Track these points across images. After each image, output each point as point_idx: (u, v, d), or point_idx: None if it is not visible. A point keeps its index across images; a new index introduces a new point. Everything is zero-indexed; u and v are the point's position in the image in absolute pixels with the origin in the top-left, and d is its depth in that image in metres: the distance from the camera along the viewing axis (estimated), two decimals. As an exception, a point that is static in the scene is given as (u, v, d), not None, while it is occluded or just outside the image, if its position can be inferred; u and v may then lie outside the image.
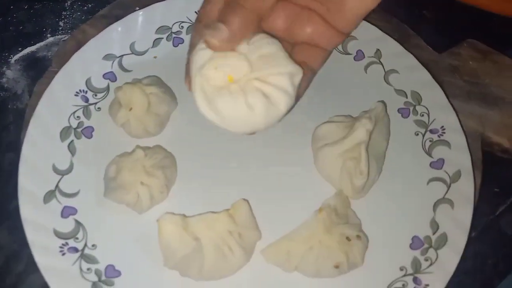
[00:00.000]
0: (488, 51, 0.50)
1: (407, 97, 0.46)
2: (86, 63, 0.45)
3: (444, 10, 0.54)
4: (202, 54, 0.32)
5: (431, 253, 0.38)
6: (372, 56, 0.48)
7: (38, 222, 0.38)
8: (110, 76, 0.46)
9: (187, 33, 0.48)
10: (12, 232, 0.40)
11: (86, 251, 0.38)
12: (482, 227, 0.43)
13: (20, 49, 0.50)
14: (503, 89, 0.48)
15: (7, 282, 0.39)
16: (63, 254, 0.37)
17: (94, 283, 0.36)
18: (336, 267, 0.37)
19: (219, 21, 0.30)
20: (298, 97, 0.34)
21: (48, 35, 0.51)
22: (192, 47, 0.33)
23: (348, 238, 0.37)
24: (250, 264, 0.38)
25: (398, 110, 0.45)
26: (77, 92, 0.44)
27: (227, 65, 0.32)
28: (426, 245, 0.39)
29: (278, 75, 0.32)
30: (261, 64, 0.32)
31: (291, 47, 0.35)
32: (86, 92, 0.44)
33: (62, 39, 0.50)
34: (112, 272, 0.37)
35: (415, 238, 0.39)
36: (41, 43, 0.51)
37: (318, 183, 0.42)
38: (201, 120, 0.42)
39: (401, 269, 0.38)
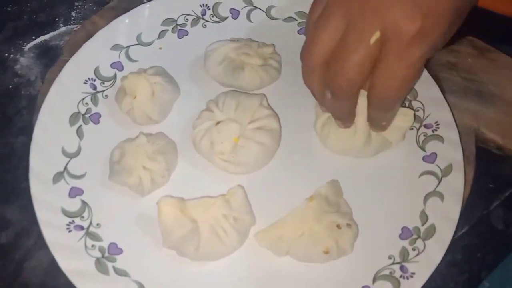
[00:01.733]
0: (486, 49, 0.50)
1: (403, 92, 0.47)
2: (95, 53, 0.47)
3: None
4: None
5: (419, 243, 0.40)
6: (371, 52, 0.49)
7: (46, 201, 0.40)
8: (117, 66, 0.47)
9: (191, 26, 0.50)
10: (23, 210, 0.42)
11: (91, 229, 0.40)
12: (474, 222, 0.44)
13: (33, 37, 0.52)
14: (499, 86, 0.49)
15: (16, 257, 0.41)
16: (70, 231, 0.39)
17: (97, 259, 0.38)
18: (326, 252, 0.38)
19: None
20: None
21: (61, 25, 0.53)
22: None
23: (338, 226, 0.38)
24: (244, 248, 0.39)
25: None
26: (86, 80, 0.46)
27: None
28: (414, 236, 0.40)
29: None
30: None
31: None
32: (95, 80, 0.46)
33: (74, 28, 0.52)
34: (114, 249, 0.39)
35: (404, 229, 0.41)
36: (54, 32, 0.53)
37: (313, 171, 0.43)
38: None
39: (390, 257, 0.39)
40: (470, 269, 0.42)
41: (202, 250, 0.38)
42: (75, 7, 0.54)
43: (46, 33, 0.53)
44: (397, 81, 0.35)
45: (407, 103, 0.46)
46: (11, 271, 0.41)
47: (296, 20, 0.51)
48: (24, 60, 0.51)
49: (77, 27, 0.52)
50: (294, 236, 0.38)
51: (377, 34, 0.33)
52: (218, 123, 0.42)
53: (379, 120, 0.41)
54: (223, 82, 0.47)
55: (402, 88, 0.36)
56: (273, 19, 0.51)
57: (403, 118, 0.42)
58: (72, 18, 0.54)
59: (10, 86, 0.50)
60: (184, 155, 0.43)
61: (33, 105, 0.47)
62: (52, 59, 0.50)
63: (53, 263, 0.39)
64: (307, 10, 0.50)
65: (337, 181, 0.42)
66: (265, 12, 0.51)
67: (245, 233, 0.39)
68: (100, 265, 0.38)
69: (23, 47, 0.52)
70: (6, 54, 0.51)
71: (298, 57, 0.48)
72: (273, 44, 0.48)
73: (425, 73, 0.47)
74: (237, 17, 0.50)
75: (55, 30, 0.53)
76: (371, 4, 0.34)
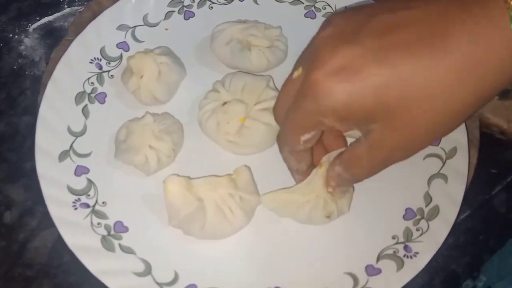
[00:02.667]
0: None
1: (409, 76, 0.47)
2: (101, 33, 0.47)
3: None
4: None
5: (422, 223, 0.40)
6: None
7: (53, 179, 0.40)
8: (123, 46, 0.47)
9: (197, 7, 0.49)
10: (27, 190, 0.43)
11: (97, 207, 0.40)
12: (476, 206, 0.44)
13: (38, 18, 0.52)
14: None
15: (21, 236, 0.41)
16: (76, 209, 0.39)
17: (103, 236, 0.38)
18: (327, 216, 0.39)
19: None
20: None
21: (65, 6, 0.53)
22: (297, 172, 0.39)
23: None
24: (250, 227, 0.40)
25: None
26: (91, 60, 0.46)
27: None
28: (418, 216, 0.40)
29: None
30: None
31: None
32: (100, 60, 0.46)
33: (78, 10, 0.52)
34: (120, 227, 0.39)
35: (408, 210, 0.41)
36: (58, 13, 0.53)
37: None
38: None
39: (393, 237, 0.40)
40: (472, 251, 0.43)
41: (207, 229, 0.38)
42: (80, -11, 0.54)
43: (51, 14, 0.53)
44: None
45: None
46: (14, 251, 0.41)
47: (303, 3, 0.51)
48: (28, 41, 0.51)
49: (81, 8, 0.52)
50: (301, 202, 0.38)
51: (299, 70, 0.33)
52: (224, 103, 0.42)
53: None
54: (229, 63, 0.47)
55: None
56: (280, 2, 0.50)
57: None
58: (77, 0, 0.53)
59: (15, 67, 0.49)
60: (190, 136, 0.43)
61: (37, 86, 0.47)
62: (56, 40, 0.50)
63: (57, 243, 0.40)
64: (314, -8, 0.51)
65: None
66: (272, -6, 0.50)
67: (251, 212, 0.40)
68: (106, 243, 0.38)
69: (28, 28, 0.52)
70: (11, 35, 0.51)
71: (305, 39, 0.48)
72: (280, 26, 0.48)
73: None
74: (244, -1, 0.50)
75: (59, 11, 0.53)
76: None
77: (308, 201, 0.39)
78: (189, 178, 0.39)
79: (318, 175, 0.38)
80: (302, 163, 0.38)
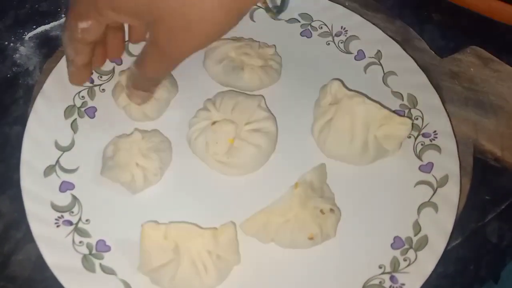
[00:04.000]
0: (490, 59, 0.50)
1: (403, 100, 0.46)
2: (94, 46, 0.47)
3: (452, 15, 0.54)
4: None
5: (410, 254, 0.39)
6: (372, 57, 0.48)
7: (36, 194, 0.40)
8: (116, 60, 0.47)
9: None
10: (14, 201, 0.42)
11: (80, 225, 0.39)
12: (468, 233, 0.43)
13: (34, 27, 0.52)
14: (501, 98, 0.48)
15: (5, 249, 0.41)
16: (58, 226, 0.39)
17: (84, 256, 0.38)
18: (310, 238, 0.38)
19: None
20: None
21: (63, 15, 0.53)
22: (71, 62, 0.42)
23: (322, 211, 0.39)
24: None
25: (393, 112, 0.46)
26: (83, 73, 0.46)
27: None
28: (406, 246, 0.40)
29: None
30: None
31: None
32: (92, 73, 0.46)
33: (75, 19, 0.52)
34: (102, 246, 0.38)
35: (396, 238, 0.40)
36: (55, 22, 0.52)
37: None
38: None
39: (380, 267, 0.39)
40: (462, 282, 0.42)
41: (177, 282, 0.36)
42: (78, -2, 0.54)
43: (48, 23, 0.52)
44: None
45: (406, 111, 0.46)
46: (-2, 264, 0.40)
47: (299, 21, 0.50)
48: (24, 50, 0.51)
49: (78, 18, 0.52)
50: (279, 223, 0.38)
51: None
52: (214, 123, 0.42)
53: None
54: (222, 81, 0.46)
55: None
56: (276, 20, 0.50)
57: (401, 127, 0.42)
58: (74, 9, 0.53)
59: (8, 75, 0.49)
60: (179, 154, 0.43)
61: (30, 96, 0.47)
62: (52, 49, 0.50)
63: (41, 257, 0.39)
64: (311, 12, 0.50)
65: (323, 166, 0.42)
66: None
67: (226, 272, 0.38)
68: (87, 262, 0.37)
69: (24, 36, 0.52)
70: (6, 43, 0.51)
71: (300, 58, 0.48)
72: (274, 45, 0.48)
73: (426, 81, 0.47)
74: (240, 16, 0.50)
75: (56, 20, 0.53)
76: None
77: (287, 221, 0.38)
78: (169, 224, 0.37)
79: (294, 194, 0.38)
80: (79, 56, 0.41)
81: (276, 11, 0.47)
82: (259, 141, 0.42)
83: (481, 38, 0.52)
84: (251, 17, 0.50)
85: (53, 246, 0.38)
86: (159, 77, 0.41)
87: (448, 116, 0.45)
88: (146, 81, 0.41)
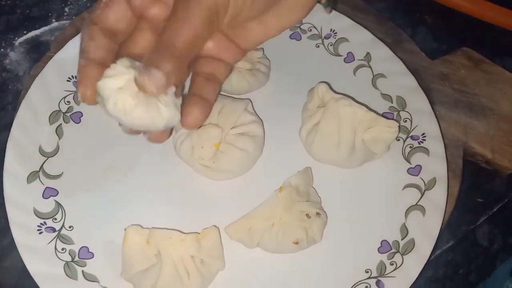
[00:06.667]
0: (481, 60, 0.49)
1: (392, 102, 0.46)
2: (80, 50, 0.47)
3: (444, 17, 0.54)
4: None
5: (397, 258, 0.39)
6: (362, 59, 0.48)
7: (19, 201, 0.39)
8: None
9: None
10: (0, 207, 0.41)
11: (63, 231, 0.39)
12: (459, 237, 0.43)
13: (25, 32, 0.52)
14: (492, 100, 0.47)
15: (-9, 256, 0.40)
16: (40, 233, 0.38)
17: (67, 263, 0.38)
18: (296, 243, 0.38)
19: (150, 65, 0.28)
20: (211, 104, 0.33)
21: (53, 20, 0.53)
22: (84, 53, 0.32)
23: (308, 215, 0.38)
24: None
25: (382, 114, 0.45)
26: (69, 78, 0.46)
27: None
28: (393, 250, 0.39)
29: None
30: None
31: (196, 59, 0.34)
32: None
33: (66, 24, 0.52)
34: (85, 253, 0.38)
35: (383, 242, 0.40)
36: (46, 28, 0.52)
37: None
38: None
39: (366, 271, 0.39)
40: (451, 286, 0.42)
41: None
42: (68, 3, 0.54)
43: (38, 28, 0.52)
44: None
45: (394, 114, 0.45)
46: (-17, 272, 0.40)
47: (287, 24, 0.50)
48: (14, 55, 0.51)
49: (69, 22, 0.52)
50: (265, 227, 0.38)
51: None
52: (199, 127, 0.42)
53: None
54: (208, 85, 0.46)
55: None
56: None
57: (388, 130, 0.41)
58: (65, 14, 0.53)
59: (-3, 81, 0.49)
60: (165, 159, 0.43)
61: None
62: (41, 54, 0.50)
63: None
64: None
65: (308, 169, 0.41)
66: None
67: (210, 278, 0.37)
68: (69, 269, 0.37)
69: (14, 42, 0.51)
70: (-4, 48, 0.51)
71: (288, 62, 0.47)
72: (262, 48, 0.47)
73: (415, 83, 0.46)
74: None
75: (47, 25, 0.52)
76: None
77: (272, 225, 0.38)
78: (152, 229, 0.36)
79: (278, 197, 0.38)
80: (92, 43, 0.32)
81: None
82: (246, 145, 0.41)
83: (474, 40, 0.51)
84: (239, 20, 0.50)
85: (35, 253, 0.37)
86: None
87: (437, 118, 0.44)
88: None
